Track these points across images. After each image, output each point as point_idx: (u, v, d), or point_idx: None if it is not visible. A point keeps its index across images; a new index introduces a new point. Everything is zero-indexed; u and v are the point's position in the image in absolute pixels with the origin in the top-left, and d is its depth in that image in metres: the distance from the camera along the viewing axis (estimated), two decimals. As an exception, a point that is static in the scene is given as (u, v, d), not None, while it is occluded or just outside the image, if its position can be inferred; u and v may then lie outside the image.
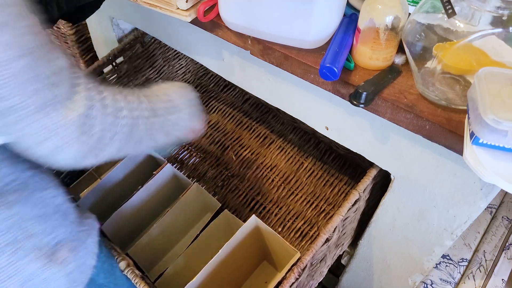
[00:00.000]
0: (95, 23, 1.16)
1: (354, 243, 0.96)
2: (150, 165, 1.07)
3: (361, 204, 0.81)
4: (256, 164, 1.13)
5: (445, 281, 0.90)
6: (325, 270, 0.88)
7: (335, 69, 0.56)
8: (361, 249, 0.93)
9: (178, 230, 1.01)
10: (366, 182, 0.75)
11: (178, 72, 1.29)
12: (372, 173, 0.75)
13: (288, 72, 0.67)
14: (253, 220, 0.82)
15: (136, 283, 0.69)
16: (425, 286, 0.90)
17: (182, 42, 0.88)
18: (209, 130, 1.22)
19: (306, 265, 0.68)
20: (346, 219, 0.76)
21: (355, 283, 1.04)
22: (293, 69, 0.65)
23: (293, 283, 0.67)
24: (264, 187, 1.08)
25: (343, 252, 1.01)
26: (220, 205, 0.91)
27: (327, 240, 0.71)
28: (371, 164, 0.76)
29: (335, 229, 0.72)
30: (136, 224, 1.00)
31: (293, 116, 0.79)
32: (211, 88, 1.13)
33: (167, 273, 0.82)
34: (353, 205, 0.74)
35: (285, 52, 0.64)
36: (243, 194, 1.08)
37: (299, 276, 0.68)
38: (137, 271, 0.71)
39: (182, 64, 1.30)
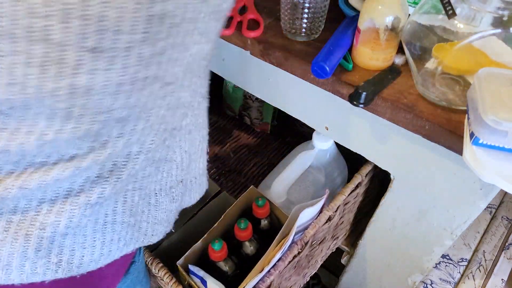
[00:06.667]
0: (95, 23, 1.16)
1: (354, 243, 0.96)
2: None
3: (361, 192, 0.83)
4: (253, 161, 1.15)
5: (445, 281, 0.90)
6: (319, 261, 0.90)
7: (326, 67, 0.57)
8: (361, 249, 0.93)
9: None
10: (369, 168, 0.78)
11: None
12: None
13: (288, 72, 0.67)
14: (252, 190, 0.80)
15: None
16: (425, 286, 0.90)
17: (182, 42, 0.88)
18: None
19: (309, 240, 0.69)
20: (346, 204, 0.78)
21: (355, 283, 1.04)
22: (293, 69, 0.65)
23: (295, 256, 0.67)
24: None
25: (343, 252, 1.02)
26: (219, 188, 0.92)
27: (329, 218, 0.72)
28: (365, 161, 0.77)
29: (337, 208, 0.73)
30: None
31: (293, 116, 0.79)
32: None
33: (162, 246, 0.83)
34: (355, 188, 0.76)
35: (285, 52, 0.64)
36: (238, 189, 1.09)
37: (302, 249, 0.68)
38: None
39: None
